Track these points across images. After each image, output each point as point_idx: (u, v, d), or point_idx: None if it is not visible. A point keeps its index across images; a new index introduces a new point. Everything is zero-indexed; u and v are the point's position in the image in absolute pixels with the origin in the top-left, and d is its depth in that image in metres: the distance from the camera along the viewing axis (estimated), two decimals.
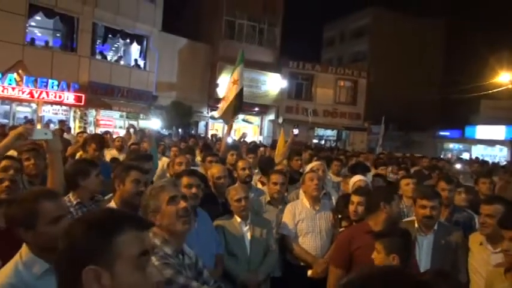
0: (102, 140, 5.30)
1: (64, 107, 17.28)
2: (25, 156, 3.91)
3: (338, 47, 43.25)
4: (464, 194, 4.17)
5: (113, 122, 19.40)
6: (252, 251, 3.54)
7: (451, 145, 35.73)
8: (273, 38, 24.40)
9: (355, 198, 3.56)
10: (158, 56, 20.58)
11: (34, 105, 16.51)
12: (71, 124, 17.23)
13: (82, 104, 16.71)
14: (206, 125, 24.07)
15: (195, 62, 22.67)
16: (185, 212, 2.14)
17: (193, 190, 3.25)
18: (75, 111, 17.70)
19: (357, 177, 4.42)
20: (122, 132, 15.50)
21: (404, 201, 4.68)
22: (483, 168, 9.98)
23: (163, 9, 20.56)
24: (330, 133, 28.31)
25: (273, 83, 24.27)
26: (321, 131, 27.85)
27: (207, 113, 23.72)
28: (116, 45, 21.57)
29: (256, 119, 25.43)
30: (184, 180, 3.39)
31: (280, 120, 23.93)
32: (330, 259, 3.15)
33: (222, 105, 7.47)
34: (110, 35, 18.95)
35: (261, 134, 25.26)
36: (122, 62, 20.45)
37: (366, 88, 27.03)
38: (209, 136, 19.71)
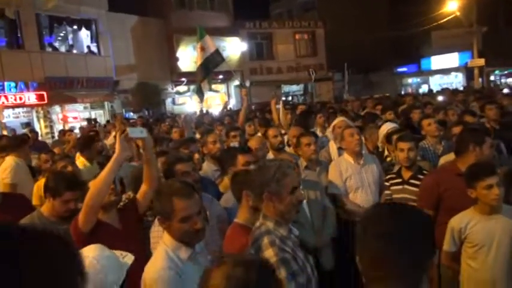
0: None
1: (25, 109, 16.30)
2: (61, 164, 3.75)
3: (285, 1, 42.62)
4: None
5: (78, 115, 18.58)
6: (312, 215, 3.59)
7: (410, 80, 36.93)
8: (225, 1, 23.71)
9: (404, 145, 3.63)
10: (111, 38, 19.57)
11: None
12: (36, 125, 16.36)
13: (45, 102, 15.81)
14: (173, 102, 23.52)
15: (150, 38, 21.77)
16: (300, 203, 2.18)
17: (252, 167, 3.22)
18: (37, 111, 16.75)
19: (388, 125, 4.51)
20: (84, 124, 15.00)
21: (429, 140, 4.87)
22: (460, 97, 10.40)
23: None
24: (296, 88, 28.45)
25: (233, 47, 23.82)
26: (286, 88, 27.91)
27: (172, 89, 23.13)
28: (62, 34, 20.24)
29: (222, 87, 25.08)
30: (241, 158, 3.36)
31: (248, 84, 23.72)
32: (418, 201, 3.23)
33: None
34: (55, 24, 17.75)
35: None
36: (74, 51, 19.31)
37: (324, 37, 27.09)
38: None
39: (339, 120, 5.02)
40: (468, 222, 2.63)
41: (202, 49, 8.10)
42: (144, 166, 2.69)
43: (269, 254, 1.93)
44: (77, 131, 12.51)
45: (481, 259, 2.63)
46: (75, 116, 18.46)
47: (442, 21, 28.80)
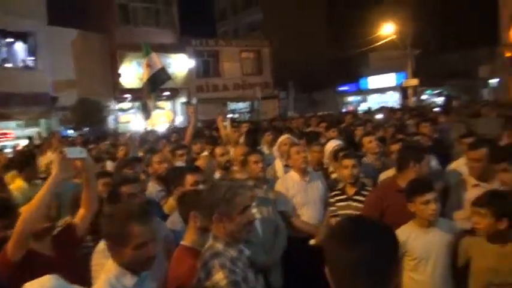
0: None
1: None
2: None
3: (232, 19, 43.29)
4: None
5: (11, 133, 17.38)
6: (263, 232, 3.56)
7: (350, 98, 38.59)
8: (171, 18, 23.59)
9: (348, 162, 3.74)
10: (49, 52, 18.66)
11: None
12: None
13: None
14: (116, 119, 22.78)
15: (92, 53, 21.07)
16: (252, 223, 2.16)
17: (201, 187, 3.16)
18: None
19: (333, 142, 4.64)
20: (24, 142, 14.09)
21: (369, 157, 5.06)
22: (397, 115, 10.98)
23: (47, 1, 18.51)
24: (242, 105, 28.69)
25: (179, 64, 23.67)
26: (232, 105, 28.07)
27: (115, 105, 22.44)
28: None
29: (167, 104, 24.72)
30: (189, 178, 3.28)
31: (194, 101, 23.59)
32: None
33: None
34: None
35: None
36: (8, 65, 18.15)
37: (270, 56, 27.73)
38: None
39: (284, 137, 5.09)
40: (408, 236, 2.73)
41: (148, 66, 7.84)
42: (84, 188, 2.54)
43: (219, 276, 1.89)
44: (8, 150, 11.70)
45: (421, 271, 2.74)
46: (7, 133, 17.26)
47: (379, 43, 30.55)
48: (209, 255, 2.01)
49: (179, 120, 23.89)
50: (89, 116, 18.45)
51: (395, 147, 4.07)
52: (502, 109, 9.78)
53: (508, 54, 31.75)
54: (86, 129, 18.59)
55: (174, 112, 24.87)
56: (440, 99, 32.39)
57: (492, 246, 2.53)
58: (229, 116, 24.54)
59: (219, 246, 2.06)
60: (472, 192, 3.32)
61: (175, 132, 10.00)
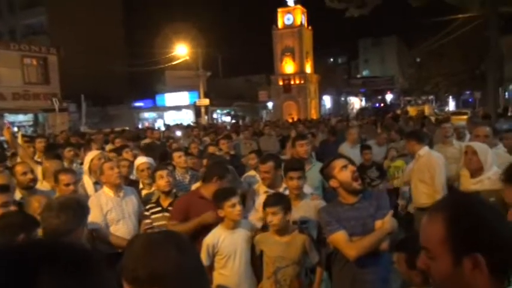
0: None
1: None
2: None
3: (8, 19, 37.88)
4: None
5: None
6: None
7: (146, 114, 38.79)
8: None
9: (162, 173, 4.05)
10: None
11: None
12: None
13: None
14: None
15: None
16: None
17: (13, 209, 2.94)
18: None
19: (142, 159, 4.85)
20: None
21: (178, 171, 5.48)
22: (195, 132, 11.91)
23: None
24: (23, 118, 25.31)
25: None
26: (11, 117, 24.49)
27: None
28: None
29: None
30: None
31: None
32: (170, 218, 3.70)
33: None
34: None
35: None
36: None
37: (58, 65, 25.38)
38: None
39: (96, 153, 4.99)
40: (219, 238, 3.23)
41: None
42: None
43: None
44: None
45: (230, 267, 3.26)
46: None
47: (174, 62, 31.87)
48: None
49: None
50: None
51: (205, 161, 4.60)
52: (279, 129, 11.80)
53: (280, 83, 37.98)
54: None
55: None
56: (228, 118, 35.99)
57: (279, 238, 3.23)
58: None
59: None
60: (263, 197, 4.10)
61: None
